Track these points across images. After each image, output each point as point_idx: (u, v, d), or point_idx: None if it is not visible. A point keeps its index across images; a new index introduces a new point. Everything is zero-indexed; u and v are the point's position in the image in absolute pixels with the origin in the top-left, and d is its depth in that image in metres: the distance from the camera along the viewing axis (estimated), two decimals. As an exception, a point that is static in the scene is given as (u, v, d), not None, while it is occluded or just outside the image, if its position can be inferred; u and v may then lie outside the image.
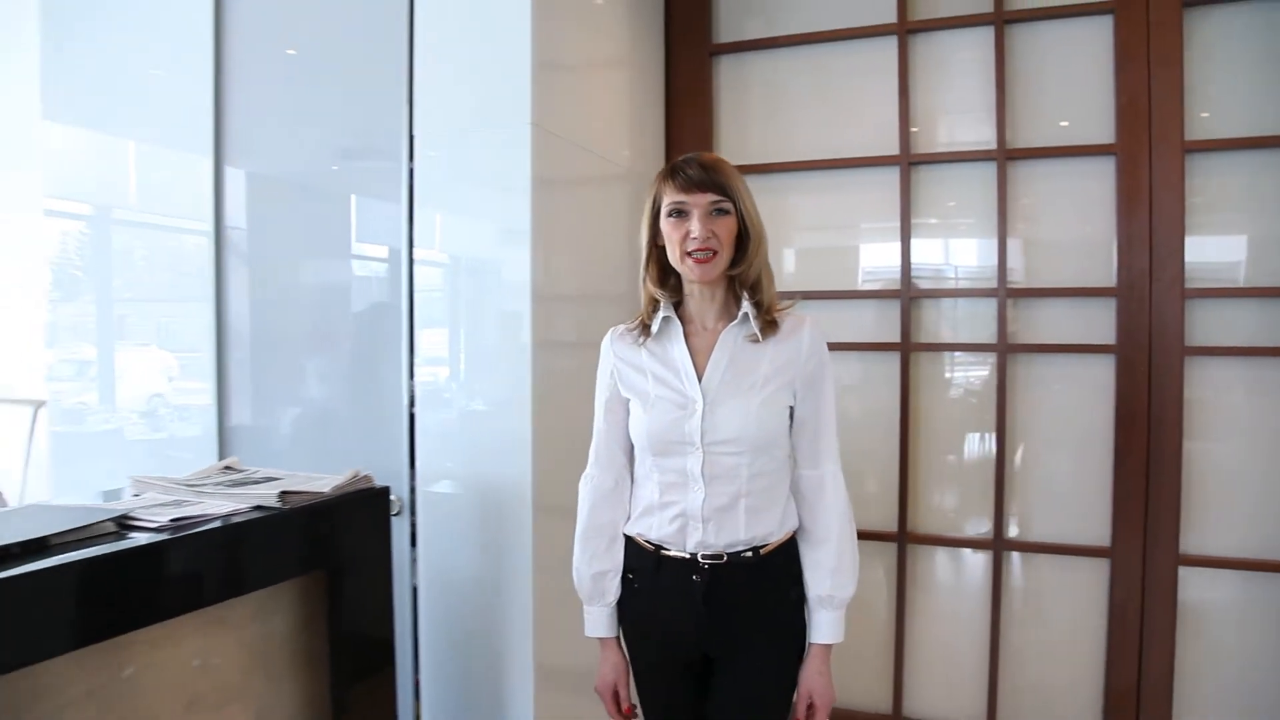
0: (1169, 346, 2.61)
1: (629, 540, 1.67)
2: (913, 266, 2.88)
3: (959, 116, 2.86)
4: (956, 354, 2.89)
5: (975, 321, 2.85)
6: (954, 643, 2.91)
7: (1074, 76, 2.74)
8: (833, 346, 2.92)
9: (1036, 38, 2.77)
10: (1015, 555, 2.83)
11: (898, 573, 2.93)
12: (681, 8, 3.12)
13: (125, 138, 2.99)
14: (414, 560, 2.46)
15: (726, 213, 1.53)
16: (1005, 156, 2.75)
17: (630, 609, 1.68)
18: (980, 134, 2.81)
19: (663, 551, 1.60)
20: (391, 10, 2.44)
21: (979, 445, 2.85)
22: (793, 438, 1.61)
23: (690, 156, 1.59)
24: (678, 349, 1.60)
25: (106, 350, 3.18)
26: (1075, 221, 2.77)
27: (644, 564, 1.63)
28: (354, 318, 2.71)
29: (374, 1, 2.49)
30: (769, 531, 1.58)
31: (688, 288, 1.62)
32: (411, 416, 2.44)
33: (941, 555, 2.92)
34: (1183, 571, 2.63)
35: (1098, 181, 2.69)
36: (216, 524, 1.51)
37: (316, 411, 2.70)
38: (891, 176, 2.89)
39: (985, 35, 2.78)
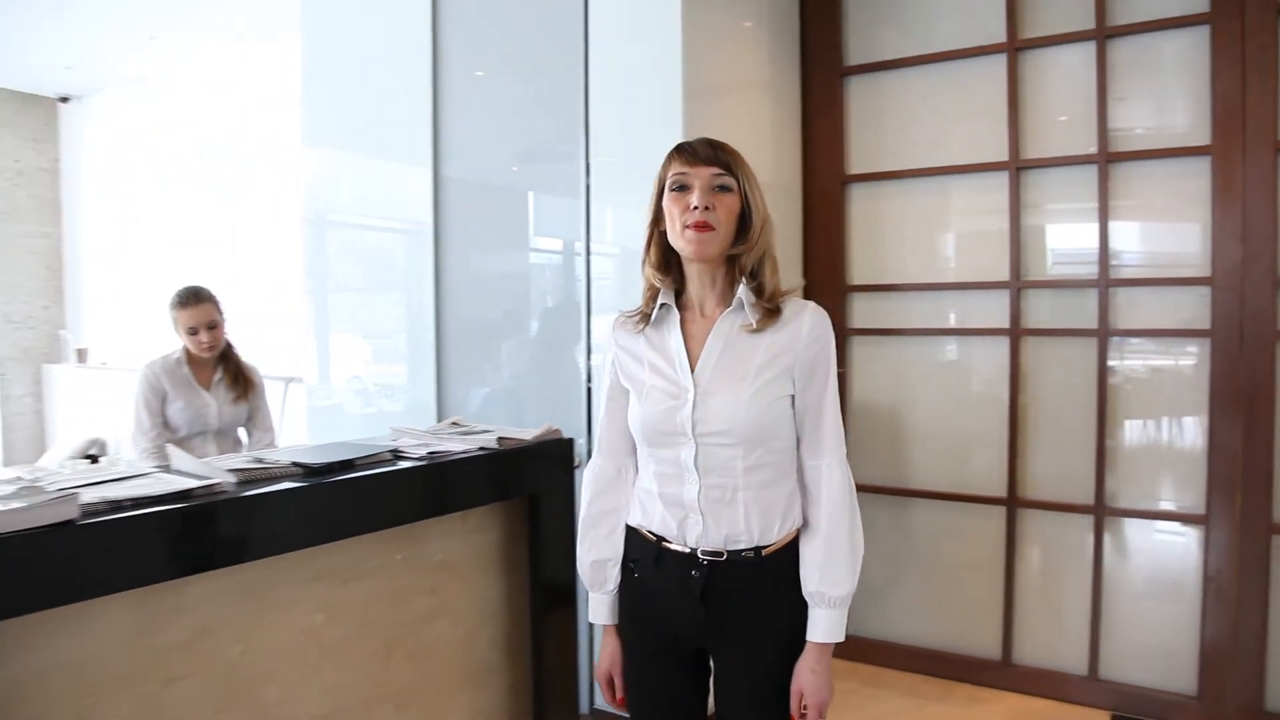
0: (1261, 331, 2.86)
1: (631, 530, 1.66)
2: (1021, 260, 3.22)
3: (1063, 123, 3.17)
4: (1060, 338, 3.20)
5: (1077, 309, 3.16)
6: (1060, 599, 3.24)
7: (1170, 83, 3.01)
8: (951, 332, 3.33)
9: (1135, 49, 3.04)
10: (1116, 520, 3.13)
11: (1007, 533, 3.28)
12: (815, 34, 3.54)
13: (362, 154, 3.72)
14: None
15: (729, 189, 1.51)
16: (1106, 159, 3.06)
17: (630, 597, 1.67)
18: (1082, 139, 3.12)
19: (664, 544, 1.58)
20: (569, 36, 2.99)
21: (1081, 420, 3.16)
22: (796, 427, 1.56)
23: (700, 137, 1.57)
24: (674, 337, 1.57)
25: (322, 336, 3.92)
26: (1172, 217, 3.06)
27: (645, 555, 1.62)
28: (537, 304, 3.31)
29: (553, 30, 3.05)
30: (771, 528, 1.54)
31: (687, 269, 1.58)
32: (589, 390, 3.01)
33: (1048, 518, 3.25)
34: (1276, 540, 2.87)
35: (1193, 180, 2.96)
36: (456, 457, 2.11)
37: (507, 386, 3.32)
38: (1001, 180, 3.23)
39: (1087, 50, 3.08)
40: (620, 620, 1.69)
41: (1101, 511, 3.12)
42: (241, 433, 3.32)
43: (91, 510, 1.53)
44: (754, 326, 1.51)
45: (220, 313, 3.16)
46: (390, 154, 3.57)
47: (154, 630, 1.68)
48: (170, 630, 1.71)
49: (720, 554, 1.53)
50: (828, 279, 3.52)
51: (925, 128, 3.41)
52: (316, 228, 3.88)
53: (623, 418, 1.64)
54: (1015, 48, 3.19)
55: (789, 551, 1.55)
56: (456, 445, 2.17)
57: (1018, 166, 3.20)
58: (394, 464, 2.04)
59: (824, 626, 1.53)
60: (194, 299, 3.10)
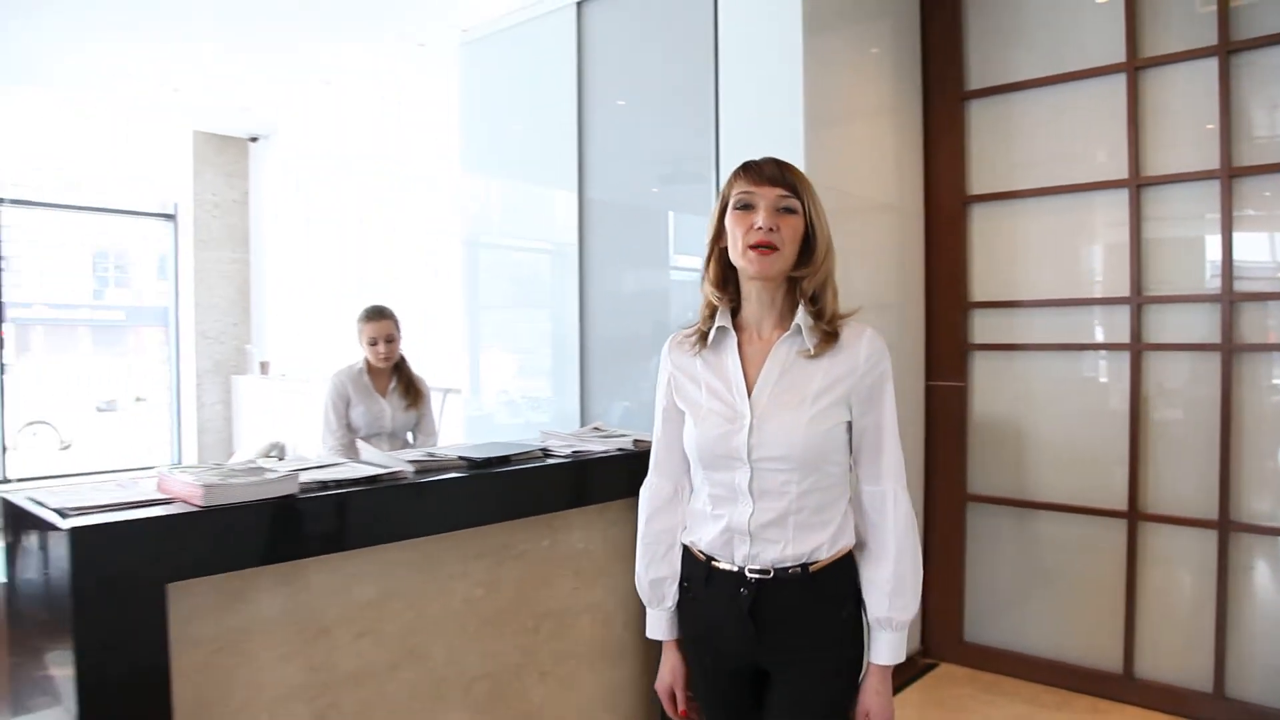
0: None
1: (684, 548, 1.67)
2: (1142, 275, 3.27)
3: (1183, 139, 3.22)
4: (1183, 353, 3.23)
5: (1200, 324, 3.18)
6: (1184, 614, 3.25)
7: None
8: (1071, 347, 3.40)
9: (1259, 63, 3.07)
10: (1242, 535, 3.13)
11: (1128, 546, 3.32)
12: (937, 60, 3.70)
13: (513, 179, 4.12)
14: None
15: (794, 211, 1.50)
16: (1229, 173, 3.09)
17: (687, 615, 1.67)
18: (1204, 154, 3.15)
19: (713, 563, 1.59)
20: (702, 67, 3.28)
21: (1204, 434, 3.18)
22: (852, 452, 1.57)
23: (767, 157, 1.56)
24: (731, 360, 1.57)
25: (475, 351, 4.31)
26: (1298, 232, 3.06)
27: (697, 573, 1.63)
28: (676, 319, 3.59)
29: (687, 62, 3.34)
30: (819, 548, 1.54)
31: (745, 289, 1.57)
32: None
33: (1171, 532, 3.27)
34: None
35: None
36: (596, 456, 2.41)
37: (647, 399, 3.61)
38: (1121, 197, 3.30)
39: (1208, 66, 3.12)
40: (683, 637, 1.70)
41: (1226, 526, 3.13)
42: (409, 436, 3.75)
43: (305, 488, 1.90)
44: (811, 352, 1.51)
45: (398, 329, 3.60)
46: (538, 179, 3.95)
47: (348, 589, 2.04)
48: (360, 591, 2.07)
49: (767, 572, 1.54)
50: (950, 296, 3.66)
51: (1045, 147, 3.51)
52: (472, 249, 4.30)
53: (678, 437, 1.65)
54: (1135, 67, 3.26)
55: (837, 568, 1.56)
56: (597, 446, 2.47)
57: (1138, 184, 3.26)
58: (543, 460, 2.36)
59: (888, 649, 1.55)
60: (377, 314, 3.55)
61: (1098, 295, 3.41)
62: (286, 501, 1.85)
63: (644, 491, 1.74)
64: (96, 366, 8.67)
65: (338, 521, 1.95)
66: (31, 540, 1.78)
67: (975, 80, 3.65)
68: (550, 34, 3.80)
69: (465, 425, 4.37)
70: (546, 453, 2.41)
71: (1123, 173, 3.29)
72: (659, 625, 1.72)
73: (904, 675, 3.56)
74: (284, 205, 7.47)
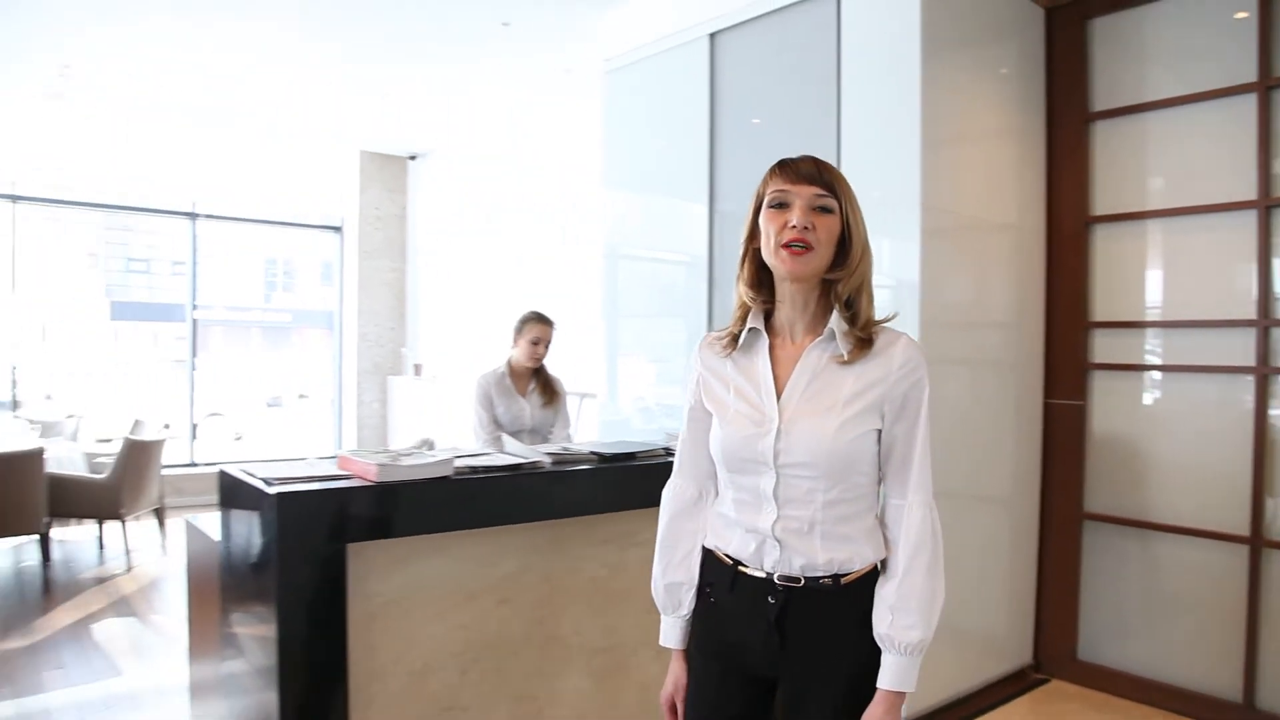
0: None
1: (707, 552, 1.61)
2: (1270, 297, 3.26)
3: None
4: (1311, 377, 3.20)
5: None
6: (1310, 640, 3.21)
7: None
8: (1194, 369, 3.41)
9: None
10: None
11: (1250, 572, 3.29)
12: (1062, 82, 3.76)
13: (650, 194, 4.42)
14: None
15: (830, 211, 1.46)
16: (1366, 198, 3.05)
17: (705, 622, 1.61)
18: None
19: (740, 568, 1.53)
20: (825, 87, 3.47)
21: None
22: (880, 463, 1.51)
23: (804, 155, 1.53)
24: (762, 362, 1.53)
25: (613, 358, 4.60)
26: None
27: (721, 578, 1.56)
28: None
29: (811, 81, 3.53)
30: (850, 558, 1.48)
31: (780, 291, 1.52)
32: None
33: (1296, 559, 3.24)
34: None
35: None
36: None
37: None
38: (1249, 219, 3.29)
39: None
40: (690, 646, 1.64)
41: (1355, 554, 3.08)
42: (549, 434, 4.09)
43: (459, 471, 2.23)
44: (845, 358, 1.46)
45: (553, 334, 3.96)
46: (673, 194, 4.23)
47: (492, 561, 2.36)
48: (502, 564, 2.38)
49: (797, 580, 1.48)
50: (1070, 315, 3.71)
51: (1171, 168, 3.53)
52: (612, 260, 4.61)
53: (704, 439, 1.60)
54: (1267, 87, 3.25)
55: (868, 582, 1.49)
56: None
57: (1267, 205, 3.25)
58: (664, 457, 2.62)
59: (893, 674, 1.44)
60: (542, 319, 3.95)
61: (1223, 317, 3.40)
62: (443, 481, 2.19)
63: (666, 493, 1.68)
64: (265, 364, 9.53)
65: (485, 501, 2.27)
66: (243, 504, 2.17)
67: (1100, 101, 3.70)
68: (686, 62, 4.07)
69: (600, 429, 4.67)
70: (668, 451, 2.67)
71: (1251, 194, 3.28)
72: (671, 634, 1.65)
73: (1013, 687, 3.62)
74: (438, 218, 8.05)
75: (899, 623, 1.44)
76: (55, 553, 5.70)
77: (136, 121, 6.93)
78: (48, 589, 5.18)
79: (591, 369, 4.85)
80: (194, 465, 7.98)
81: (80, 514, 5.65)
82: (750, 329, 1.54)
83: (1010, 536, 3.69)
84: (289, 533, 1.96)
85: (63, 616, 4.67)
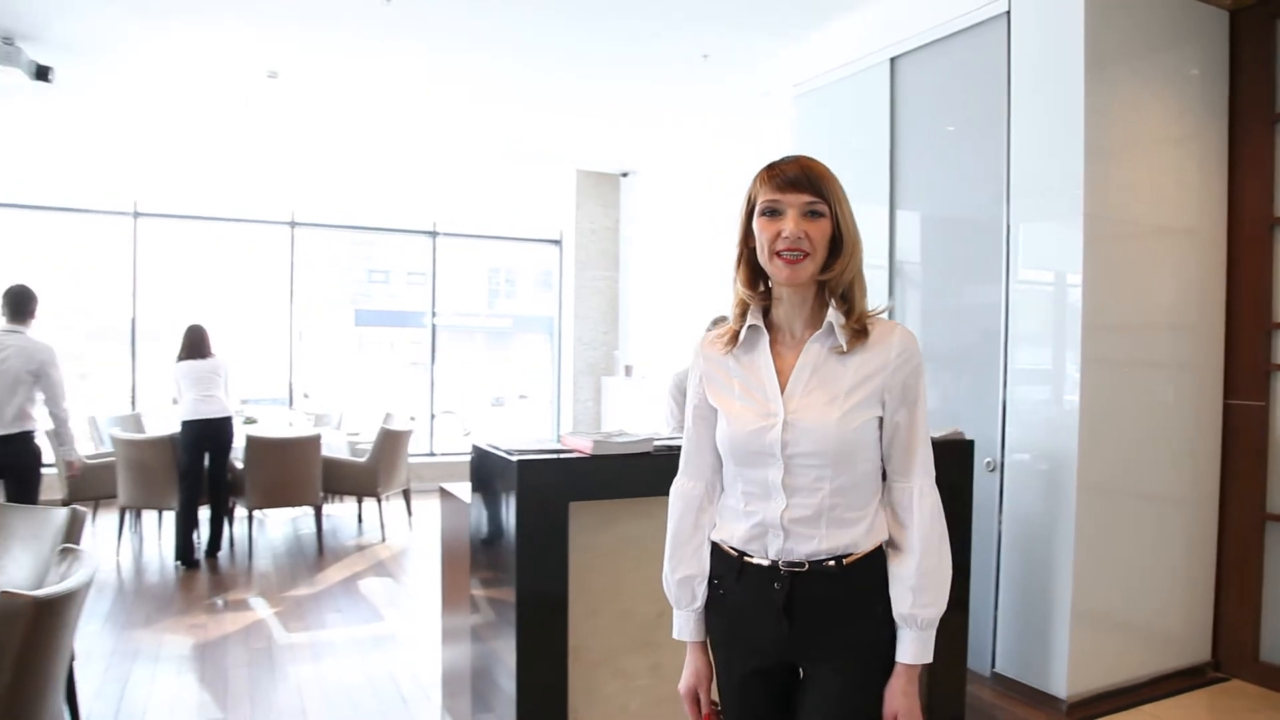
0: None
1: (715, 546, 1.65)
2: None
3: None
4: None
5: None
6: None
7: None
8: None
9: None
10: None
11: None
12: (1245, 85, 3.77)
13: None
14: (1001, 508, 3.66)
15: (821, 215, 1.50)
16: None
17: (716, 614, 1.65)
18: None
19: (745, 558, 1.58)
20: (996, 108, 3.70)
21: None
22: (883, 448, 1.56)
23: (789, 157, 1.56)
24: (763, 359, 1.57)
25: None
26: None
27: (728, 570, 1.61)
28: (969, 329, 3.99)
29: (985, 103, 3.77)
30: (853, 542, 1.53)
31: (776, 291, 1.57)
32: (1004, 403, 3.65)
33: None
34: None
35: None
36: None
37: (943, 400, 4.06)
38: None
39: None
40: (711, 639, 1.69)
41: None
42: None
43: (657, 449, 2.70)
44: (844, 349, 1.52)
45: None
46: (857, 205, 4.53)
47: (685, 527, 2.81)
48: (693, 529, 2.83)
49: (802, 565, 1.53)
50: (1252, 317, 3.71)
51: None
52: None
53: (709, 436, 1.65)
54: None
55: (870, 562, 1.54)
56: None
57: None
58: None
59: (914, 648, 1.52)
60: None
61: None
62: (644, 456, 2.66)
63: (673, 491, 1.73)
64: (488, 366, 10.49)
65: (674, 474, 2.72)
66: (490, 471, 2.74)
67: (1291, 103, 3.68)
68: (868, 84, 4.38)
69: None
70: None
71: None
72: (686, 626, 1.69)
73: (1188, 682, 3.67)
74: (647, 230, 8.67)
75: (919, 601, 1.51)
76: (326, 523, 6.72)
77: (382, 151, 7.97)
78: (321, 551, 6.18)
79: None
80: (432, 455, 9.03)
81: (344, 491, 6.64)
82: (750, 326, 1.59)
83: (1187, 535, 3.74)
84: (526, 492, 2.50)
85: (335, 573, 5.60)
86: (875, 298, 1.40)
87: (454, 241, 9.33)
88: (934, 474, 1.57)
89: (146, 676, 3.78)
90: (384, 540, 6.56)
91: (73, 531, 2.81)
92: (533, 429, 9.79)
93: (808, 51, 4.90)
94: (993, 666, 3.67)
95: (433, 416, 9.20)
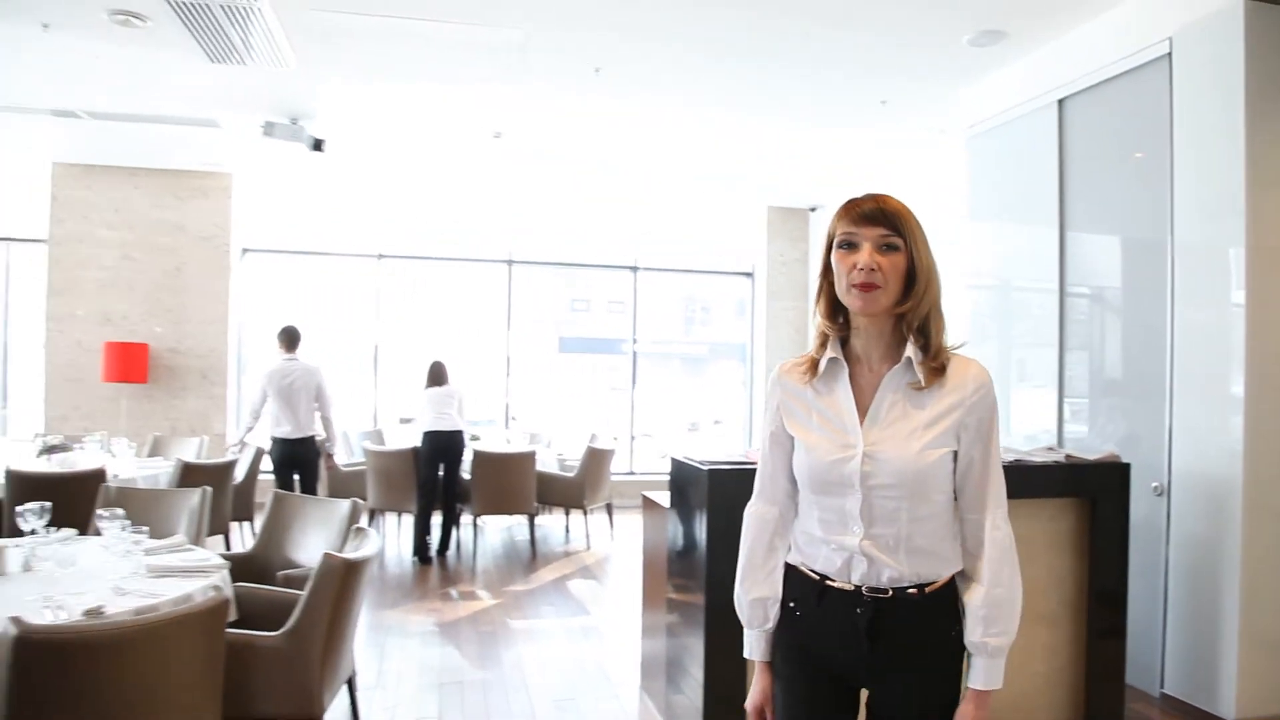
0: None
1: (792, 569, 1.68)
2: None
3: None
4: None
5: None
6: None
7: None
8: None
9: None
10: None
11: None
12: None
13: (1006, 223, 4.99)
14: (1168, 531, 3.78)
15: (895, 249, 1.53)
16: None
17: (790, 635, 1.67)
18: None
19: (827, 582, 1.60)
20: (1160, 142, 3.87)
21: None
22: (956, 481, 1.58)
23: (868, 194, 1.60)
24: (842, 390, 1.60)
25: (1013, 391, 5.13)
26: None
27: (807, 593, 1.63)
28: (1135, 353, 4.14)
29: (1145, 138, 3.93)
30: (933, 570, 1.57)
31: (855, 322, 1.60)
32: (1170, 427, 3.80)
33: None
34: None
35: None
36: (1036, 464, 3.25)
37: (1109, 420, 4.21)
38: None
39: None
40: (775, 658, 1.71)
41: None
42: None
43: (826, 463, 3.12)
44: (921, 384, 1.55)
45: None
46: (1026, 229, 4.77)
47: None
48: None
49: (886, 591, 1.56)
50: None
51: None
52: (994, 291, 5.22)
53: (785, 463, 1.68)
54: None
55: (948, 591, 1.58)
56: (1039, 458, 3.31)
57: None
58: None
59: (985, 675, 1.55)
60: None
61: None
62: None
63: (748, 514, 1.76)
64: (684, 391, 11.04)
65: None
66: (686, 478, 3.25)
67: None
68: (1038, 124, 4.63)
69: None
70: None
71: None
72: (756, 646, 1.73)
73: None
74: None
75: (990, 630, 1.55)
76: (538, 531, 7.48)
77: (589, 195, 8.75)
78: (534, 555, 6.92)
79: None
80: (632, 474, 9.69)
81: (554, 502, 7.38)
82: (830, 358, 1.61)
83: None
84: (715, 499, 2.99)
85: (547, 574, 6.30)
86: (954, 329, 1.57)
87: (653, 274, 10.03)
88: (1006, 507, 1.60)
89: (398, 646, 4.54)
90: (589, 548, 7.23)
91: (354, 517, 3.56)
92: (724, 452, 10.24)
93: (980, 94, 5.18)
94: (1161, 687, 3.78)
95: (632, 438, 9.89)
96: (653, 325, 10.43)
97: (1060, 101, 4.50)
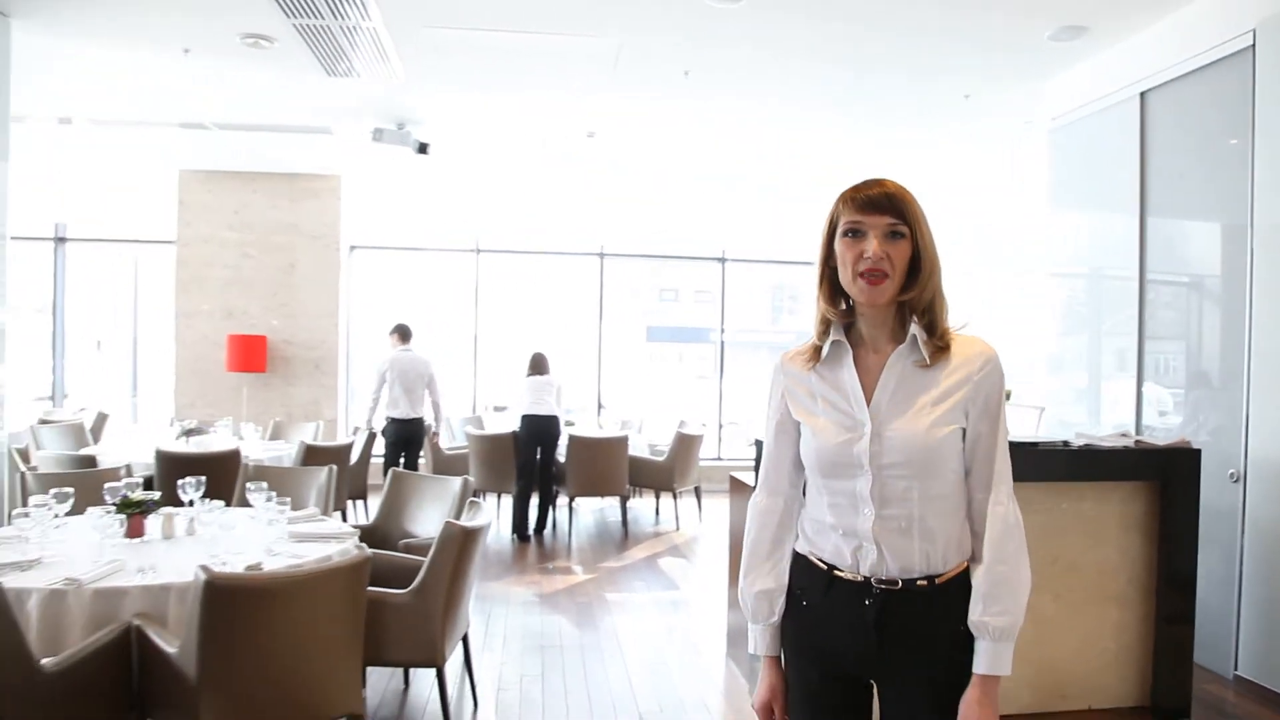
0: None
1: (800, 558, 1.65)
2: None
3: None
4: None
5: None
6: None
7: None
8: None
9: None
10: None
11: None
12: None
13: (1086, 211, 5.07)
14: (1244, 517, 3.86)
15: (902, 236, 1.51)
16: None
17: (797, 627, 1.65)
18: None
19: (835, 572, 1.57)
20: (1241, 132, 3.93)
21: None
22: (965, 459, 1.55)
23: (871, 179, 1.57)
24: (847, 373, 1.58)
25: (1094, 379, 5.23)
26: None
27: (815, 583, 1.61)
28: (1212, 342, 4.20)
29: (1227, 129, 3.99)
30: (945, 559, 1.53)
31: (858, 309, 1.58)
32: (1246, 415, 3.87)
33: None
34: None
35: None
36: (1105, 448, 3.40)
37: (1184, 407, 4.29)
38: None
39: None
40: (785, 651, 1.68)
41: None
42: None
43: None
44: (927, 363, 1.53)
45: None
46: (1107, 218, 4.86)
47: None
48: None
49: (895, 583, 1.53)
50: None
51: None
52: (1094, 280, 5.31)
53: (791, 452, 1.66)
54: None
55: (959, 581, 1.54)
56: (1107, 444, 3.46)
57: None
58: (1063, 447, 3.44)
59: (988, 658, 1.49)
60: None
61: None
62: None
63: (751, 507, 1.73)
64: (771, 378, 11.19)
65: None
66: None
67: None
68: (1121, 116, 4.71)
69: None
70: (1065, 443, 3.48)
71: None
72: (762, 641, 1.69)
73: None
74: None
75: (991, 609, 1.49)
76: (629, 512, 7.82)
77: (678, 190, 9.02)
78: (626, 534, 7.27)
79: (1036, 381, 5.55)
80: (719, 460, 9.96)
81: (644, 485, 7.70)
82: (834, 341, 1.59)
83: None
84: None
85: (638, 553, 6.64)
86: (956, 312, 1.59)
87: (740, 265, 10.26)
88: (1011, 486, 1.57)
89: (502, 614, 4.92)
90: (678, 529, 7.54)
91: (465, 493, 3.92)
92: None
93: (1061, 88, 5.26)
94: (1235, 669, 3.87)
95: (720, 425, 10.15)
96: (740, 315, 10.64)
97: (1143, 94, 4.56)
